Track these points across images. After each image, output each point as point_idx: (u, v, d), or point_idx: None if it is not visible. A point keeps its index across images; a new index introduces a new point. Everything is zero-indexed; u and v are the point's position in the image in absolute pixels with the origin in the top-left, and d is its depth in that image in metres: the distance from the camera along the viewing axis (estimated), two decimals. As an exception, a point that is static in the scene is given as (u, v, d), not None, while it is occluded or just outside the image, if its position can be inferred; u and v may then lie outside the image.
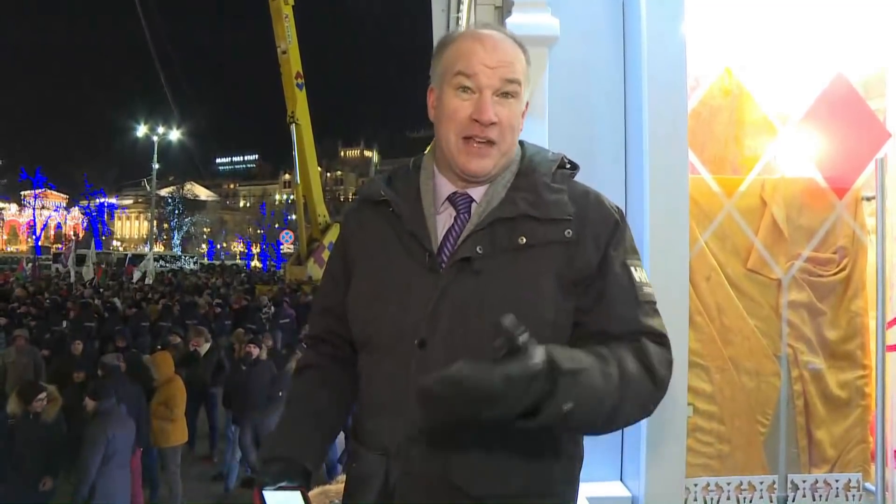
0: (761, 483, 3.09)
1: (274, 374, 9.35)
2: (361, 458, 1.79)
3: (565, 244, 1.67)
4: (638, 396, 1.58)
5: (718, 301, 3.11)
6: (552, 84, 2.95)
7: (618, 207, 1.79)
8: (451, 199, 1.77)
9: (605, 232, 1.71)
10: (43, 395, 7.38)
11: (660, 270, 2.77)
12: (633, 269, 1.72)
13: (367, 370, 1.80)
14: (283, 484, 1.76)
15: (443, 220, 1.76)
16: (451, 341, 1.63)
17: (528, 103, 1.80)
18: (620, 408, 1.53)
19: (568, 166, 1.82)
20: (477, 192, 1.76)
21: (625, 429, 3.07)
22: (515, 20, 2.88)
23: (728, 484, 3.05)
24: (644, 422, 2.85)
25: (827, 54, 3.22)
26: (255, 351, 9.86)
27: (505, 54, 1.70)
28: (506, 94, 1.70)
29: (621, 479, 3.04)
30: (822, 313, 3.20)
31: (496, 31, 1.75)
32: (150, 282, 27.06)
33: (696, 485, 3.02)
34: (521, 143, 1.85)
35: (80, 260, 40.36)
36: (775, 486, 3.10)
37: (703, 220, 3.11)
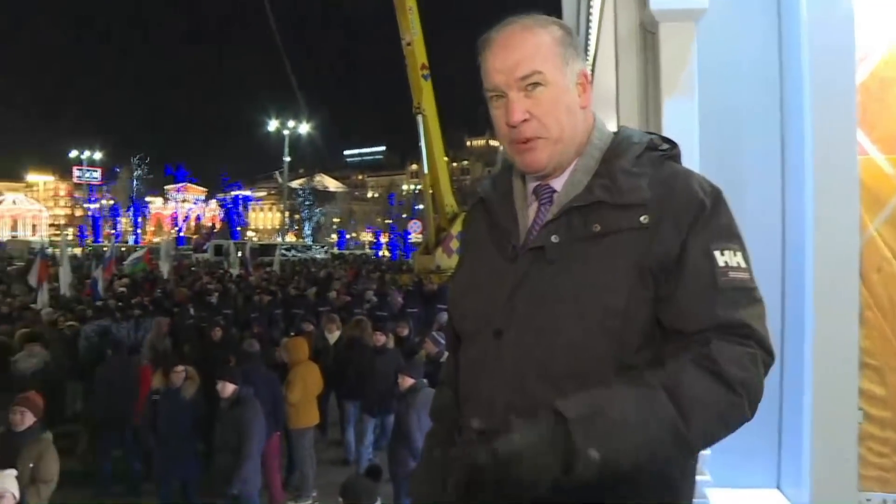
0: (947, 500, 2.77)
1: (400, 362, 9.42)
2: (457, 442, 1.83)
3: (642, 230, 1.58)
4: (707, 409, 1.45)
5: (892, 295, 2.81)
6: (702, 60, 2.75)
7: (713, 188, 1.64)
8: (536, 191, 1.77)
9: (688, 215, 1.58)
10: (180, 368, 7.97)
11: (825, 262, 2.54)
12: (717, 252, 1.56)
13: (461, 359, 1.85)
14: None
15: (531, 214, 1.77)
16: (526, 331, 1.63)
17: (583, 73, 1.72)
18: (687, 429, 1.43)
19: (664, 147, 1.72)
20: (558, 183, 1.74)
21: (781, 431, 2.85)
22: (660, -7, 2.70)
23: (908, 501, 2.75)
24: (806, 426, 2.63)
25: None
26: (381, 339, 9.98)
27: (513, 51, 1.68)
28: (533, 85, 1.66)
29: (778, 487, 2.81)
30: None
31: (507, 27, 1.71)
32: (242, 273, 27.79)
33: (868, 500, 2.73)
34: (620, 129, 1.80)
35: (218, 250, 42.17)
36: (962, 503, 2.78)
37: (873, 206, 2.81)
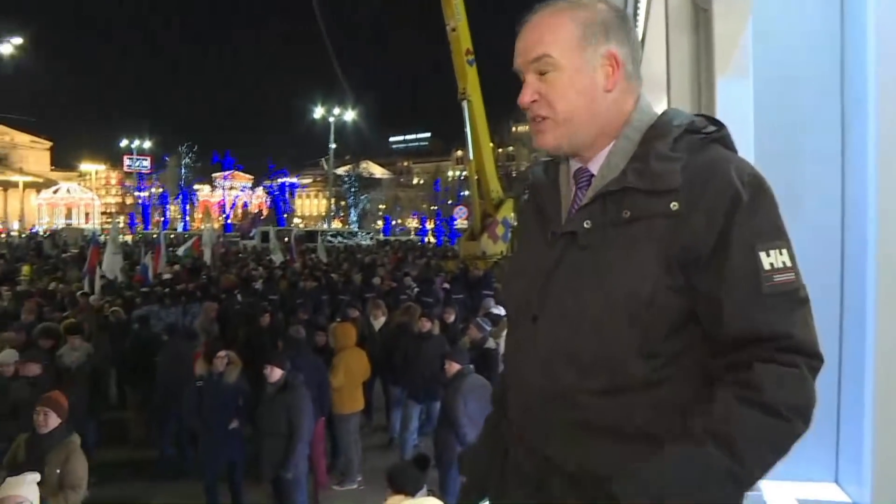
0: None
1: (446, 348, 9.40)
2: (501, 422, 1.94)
3: (671, 217, 1.55)
4: (760, 446, 1.46)
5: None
6: (757, 37, 2.64)
7: (753, 176, 1.56)
8: (575, 175, 1.79)
9: (722, 206, 1.52)
10: (223, 353, 8.04)
11: (889, 253, 2.39)
12: (762, 253, 1.51)
13: (506, 344, 1.92)
14: None
15: (571, 199, 1.79)
16: (557, 317, 1.67)
17: (610, 54, 1.69)
18: (744, 471, 1.45)
19: (708, 129, 1.65)
20: (596, 166, 1.74)
21: (840, 423, 2.74)
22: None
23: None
24: (866, 417, 2.52)
25: None
26: (426, 325, 9.97)
27: (531, 34, 1.73)
28: (544, 68, 1.71)
29: (836, 481, 2.71)
30: None
31: (535, 11, 1.76)
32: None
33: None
34: (665, 111, 1.74)
35: (265, 236, 42.53)
36: None
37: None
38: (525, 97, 1.73)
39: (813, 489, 2.70)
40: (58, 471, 5.88)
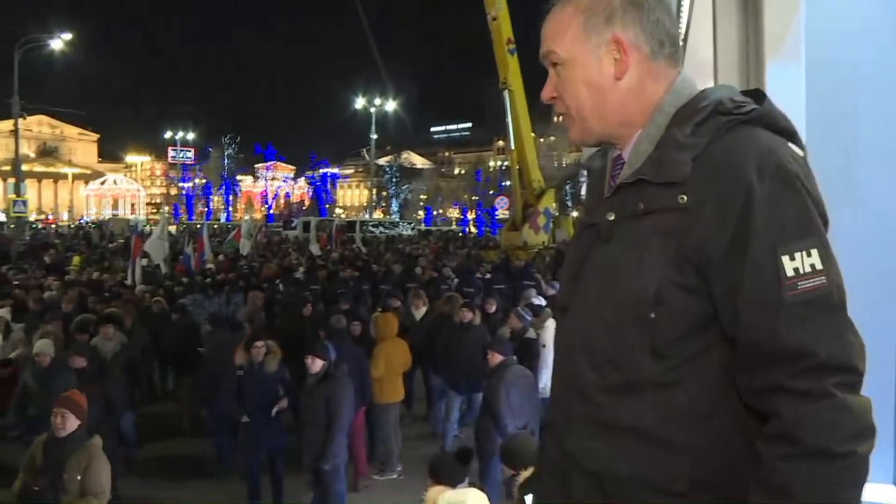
0: None
1: (487, 339, 9.34)
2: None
3: (681, 212, 1.45)
4: (839, 491, 1.32)
5: None
6: (811, 17, 2.52)
7: (778, 168, 1.41)
8: (613, 163, 1.72)
9: (734, 201, 1.39)
10: (260, 343, 8.08)
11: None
12: (785, 257, 1.36)
13: None
14: None
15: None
16: (579, 310, 1.64)
17: (614, 40, 1.59)
18: None
19: (739, 110, 1.48)
20: (627, 154, 1.66)
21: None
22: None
23: None
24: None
25: None
26: (467, 315, 9.93)
27: (545, 29, 1.68)
28: (553, 64, 1.67)
29: (895, 483, 2.61)
30: None
31: (552, 5, 1.69)
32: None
33: None
34: (702, 91, 1.61)
35: (306, 226, 42.90)
36: None
37: None
38: (545, 93, 1.71)
39: (871, 490, 2.58)
40: (78, 477, 5.57)
